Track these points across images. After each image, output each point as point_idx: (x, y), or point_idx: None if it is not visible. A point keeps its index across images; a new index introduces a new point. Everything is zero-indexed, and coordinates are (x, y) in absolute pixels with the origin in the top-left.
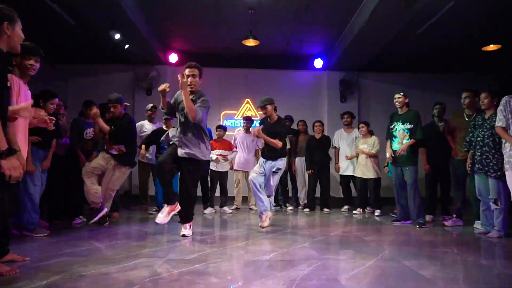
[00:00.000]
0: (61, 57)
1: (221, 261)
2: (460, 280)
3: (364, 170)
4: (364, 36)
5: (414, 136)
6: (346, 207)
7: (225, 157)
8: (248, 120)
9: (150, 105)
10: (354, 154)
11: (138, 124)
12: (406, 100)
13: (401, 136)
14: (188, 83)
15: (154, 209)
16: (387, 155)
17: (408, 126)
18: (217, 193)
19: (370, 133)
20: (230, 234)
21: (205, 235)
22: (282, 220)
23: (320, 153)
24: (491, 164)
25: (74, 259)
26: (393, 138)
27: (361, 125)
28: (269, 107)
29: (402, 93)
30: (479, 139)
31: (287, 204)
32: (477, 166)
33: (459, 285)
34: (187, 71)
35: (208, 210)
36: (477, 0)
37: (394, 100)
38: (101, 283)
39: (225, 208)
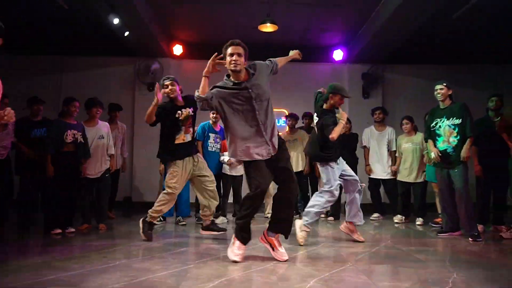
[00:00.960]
0: (56, 48)
1: None
2: None
3: (410, 173)
4: (398, 18)
5: (466, 133)
6: (376, 215)
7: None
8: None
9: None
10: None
11: None
12: (450, 92)
13: (447, 134)
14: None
15: (159, 219)
16: (433, 155)
17: (455, 121)
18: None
19: (415, 129)
20: (251, 251)
21: (221, 253)
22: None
23: (346, 152)
24: None
25: None
26: (437, 138)
27: (405, 121)
28: None
29: (444, 84)
30: None
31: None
32: None
33: None
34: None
35: (220, 220)
36: None
37: (435, 93)
38: None
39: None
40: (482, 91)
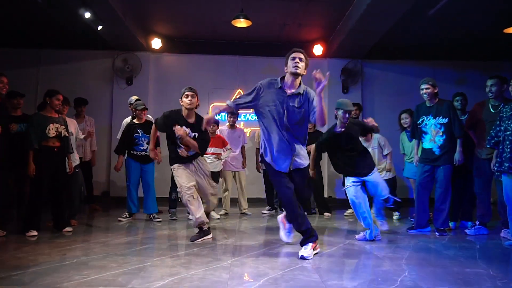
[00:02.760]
0: (31, 41)
1: None
2: None
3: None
4: (372, 14)
5: (456, 133)
6: (350, 210)
7: (218, 156)
8: (234, 114)
9: (134, 98)
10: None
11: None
12: (436, 91)
13: (433, 133)
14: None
15: (125, 215)
16: (415, 159)
17: (441, 120)
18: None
19: (370, 134)
20: (214, 249)
21: (182, 250)
22: (276, 227)
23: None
24: None
25: None
26: (424, 135)
27: None
28: None
29: (430, 83)
30: (507, 133)
31: (283, 208)
32: (506, 164)
33: None
34: (292, 55)
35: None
36: None
37: (422, 92)
38: None
39: (213, 213)
40: (460, 87)
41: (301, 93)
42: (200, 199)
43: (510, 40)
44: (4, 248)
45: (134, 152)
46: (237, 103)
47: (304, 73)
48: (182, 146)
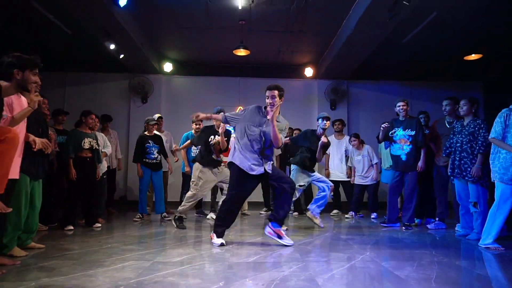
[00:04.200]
0: (59, 65)
1: (205, 263)
2: (432, 280)
3: (364, 178)
4: (351, 44)
5: (419, 143)
6: (335, 211)
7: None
8: None
9: (157, 115)
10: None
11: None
12: (408, 108)
13: (402, 142)
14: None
15: (138, 216)
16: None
17: (409, 132)
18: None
19: (362, 143)
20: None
21: (195, 238)
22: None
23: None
24: (469, 169)
25: (64, 262)
26: (393, 143)
27: (353, 138)
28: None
29: (405, 101)
30: (458, 145)
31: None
32: (456, 170)
33: (431, 284)
34: (267, 93)
35: (210, 215)
36: (457, 12)
37: (399, 108)
38: (86, 285)
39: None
40: (429, 103)
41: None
42: (197, 199)
43: (473, 64)
44: (50, 238)
45: (146, 160)
46: (228, 118)
47: (281, 103)
48: (214, 152)
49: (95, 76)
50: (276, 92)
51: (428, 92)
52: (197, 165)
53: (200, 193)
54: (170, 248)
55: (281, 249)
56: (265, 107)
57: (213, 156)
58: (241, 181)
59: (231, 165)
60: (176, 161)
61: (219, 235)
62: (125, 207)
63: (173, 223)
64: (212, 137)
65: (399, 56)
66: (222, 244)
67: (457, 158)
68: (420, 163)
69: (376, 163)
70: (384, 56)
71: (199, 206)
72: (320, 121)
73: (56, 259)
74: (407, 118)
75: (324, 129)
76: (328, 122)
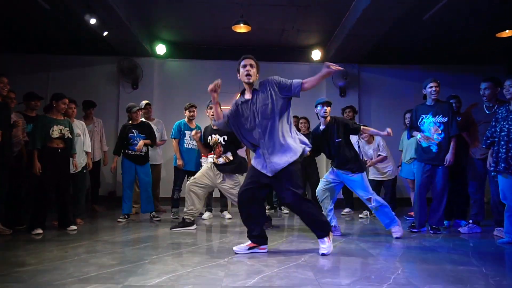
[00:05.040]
0: (41, 47)
1: (191, 287)
2: None
3: (378, 172)
4: (367, 19)
5: (450, 131)
6: (346, 209)
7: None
8: None
9: (145, 102)
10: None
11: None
12: (439, 90)
13: (432, 131)
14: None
15: (123, 216)
16: (419, 136)
17: (441, 119)
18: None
19: (372, 136)
20: (212, 248)
21: (181, 248)
22: (275, 226)
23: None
24: None
25: (8, 285)
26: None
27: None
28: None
29: (438, 81)
30: (503, 133)
31: (282, 208)
32: (502, 165)
33: None
34: (242, 62)
35: (206, 215)
36: None
37: (430, 90)
38: None
39: (225, 213)
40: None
41: (257, 88)
42: (199, 197)
43: (503, 44)
44: (9, 246)
45: (129, 152)
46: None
47: (257, 78)
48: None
49: (82, 59)
50: (252, 61)
51: (453, 77)
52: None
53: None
54: (150, 263)
55: (289, 264)
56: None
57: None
58: None
59: None
60: None
61: None
62: (114, 204)
63: (178, 227)
64: (210, 137)
65: (418, 36)
66: None
67: (503, 150)
68: (448, 156)
69: (381, 156)
70: (401, 36)
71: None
72: (319, 107)
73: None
74: (437, 102)
75: (324, 117)
76: (329, 108)
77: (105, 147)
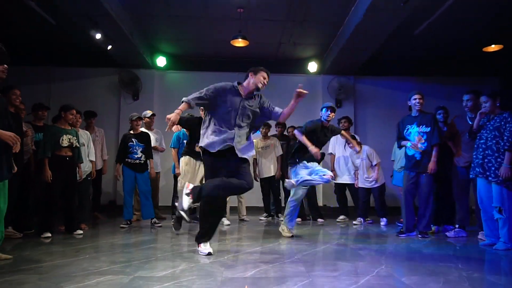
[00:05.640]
0: (44, 59)
1: (194, 278)
2: None
3: (367, 180)
4: (360, 34)
5: (432, 140)
6: (342, 217)
7: None
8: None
9: (149, 112)
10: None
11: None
12: (423, 102)
13: (417, 140)
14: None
15: (125, 223)
16: (408, 144)
17: (424, 129)
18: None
19: (359, 144)
20: (212, 247)
21: (185, 248)
22: (271, 232)
23: None
24: (493, 168)
25: (30, 277)
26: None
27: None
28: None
29: (421, 94)
30: (482, 141)
31: (279, 215)
32: (477, 169)
33: None
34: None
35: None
36: None
37: (414, 101)
38: None
39: (223, 219)
40: (444, 100)
41: (254, 97)
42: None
43: (491, 57)
44: (22, 248)
45: (129, 160)
46: (194, 98)
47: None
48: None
49: (84, 71)
50: (268, 79)
51: (441, 88)
52: (182, 158)
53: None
54: (156, 260)
55: (283, 260)
56: (239, 83)
57: (196, 146)
58: None
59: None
60: None
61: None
62: (114, 212)
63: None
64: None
65: (410, 50)
66: None
67: (480, 156)
68: (431, 164)
69: (377, 164)
70: (394, 50)
71: (193, 212)
72: (323, 111)
73: (21, 273)
74: (421, 113)
75: (328, 121)
76: (333, 113)
77: (105, 156)
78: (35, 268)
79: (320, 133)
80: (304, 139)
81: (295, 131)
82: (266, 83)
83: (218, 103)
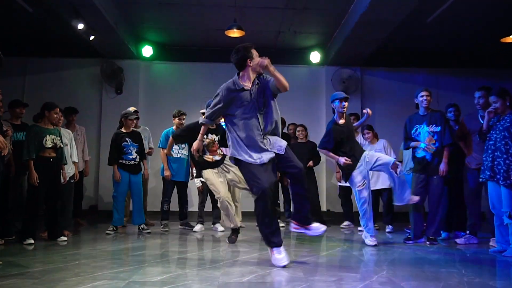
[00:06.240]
0: (18, 49)
1: (191, 283)
2: None
3: (376, 180)
4: (366, 23)
5: (444, 140)
6: (346, 223)
7: None
8: None
9: (132, 109)
10: None
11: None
12: (431, 99)
13: (427, 140)
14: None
15: (112, 228)
16: (422, 145)
17: (434, 128)
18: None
19: (376, 137)
20: (205, 255)
21: (179, 254)
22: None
23: (305, 159)
24: (502, 171)
25: (24, 281)
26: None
27: (366, 130)
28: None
29: (429, 91)
30: (491, 142)
31: (278, 220)
32: (487, 173)
33: None
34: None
35: (198, 227)
36: None
37: (422, 98)
38: None
39: (217, 225)
40: (459, 94)
41: (257, 81)
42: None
43: (506, 49)
44: (7, 254)
45: (123, 161)
46: (211, 116)
47: None
48: (208, 151)
49: (62, 61)
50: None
51: (457, 81)
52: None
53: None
54: (149, 266)
55: (245, 274)
56: (237, 75)
57: (205, 157)
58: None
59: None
60: None
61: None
62: (96, 218)
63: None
64: (205, 137)
65: (422, 39)
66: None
67: (490, 158)
68: (441, 166)
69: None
70: (405, 39)
71: (184, 217)
72: (336, 103)
73: (14, 278)
74: (429, 111)
75: (343, 113)
76: (347, 103)
77: (87, 156)
78: (26, 273)
79: (341, 132)
80: (331, 155)
81: (322, 151)
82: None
83: (232, 105)
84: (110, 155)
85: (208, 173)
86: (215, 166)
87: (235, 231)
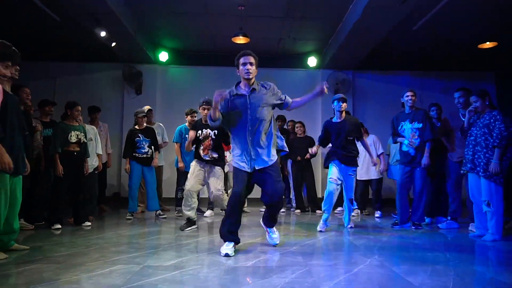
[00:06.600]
0: (49, 55)
1: (200, 267)
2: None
3: (366, 171)
4: (359, 31)
5: (425, 136)
6: (339, 208)
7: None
8: None
9: (147, 107)
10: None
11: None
12: (416, 99)
13: (410, 136)
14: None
15: (130, 214)
16: (406, 141)
17: (417, 125)
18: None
19: (366, 132)
20: (215, 239)
21: (189, 239)
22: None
23: (303, 153)
24: (482, 163)
25: (47, 266)
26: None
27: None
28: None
29: (414, 91)
30: (471, 138)
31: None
32: (468, 165)
33: None
34: (241, 60)
35: (208, 213)
36: None
37: (407, 98)
38: None
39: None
40: (441, 94)
41: (256, 88)
42: (196, 199)
43: (487, 53)
44: (35, 239)
45: (137, 154)
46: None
47: (256, 73)
48: (203, 146)
49: (87, 66)
50: (252, 59)
51: (439, 83)
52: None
53: (189, 186)
54: (163, 250)
55: (282, 251)
56: (237, 83)
57: (199, 151)
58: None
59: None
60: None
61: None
62: (118, 204)
63: (186, 227)
64: (200, 132)
65: (409, 45)
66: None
67: (470, 152)
68: (423, 160)
69: (382, 153)
70: (393, 44)
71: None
72: (335, 103)
73: (39, 263)
74: (413, 110)
75: (340, 112)
76: (345, 103)
77: (110, 149)
78: (51, 258)
79: (331, 127)
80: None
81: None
82: (250, 69)
83: (230, 112)
84: (124, 150)
85: (193, 164)
86: (203, 161)
87: (190, 221)
